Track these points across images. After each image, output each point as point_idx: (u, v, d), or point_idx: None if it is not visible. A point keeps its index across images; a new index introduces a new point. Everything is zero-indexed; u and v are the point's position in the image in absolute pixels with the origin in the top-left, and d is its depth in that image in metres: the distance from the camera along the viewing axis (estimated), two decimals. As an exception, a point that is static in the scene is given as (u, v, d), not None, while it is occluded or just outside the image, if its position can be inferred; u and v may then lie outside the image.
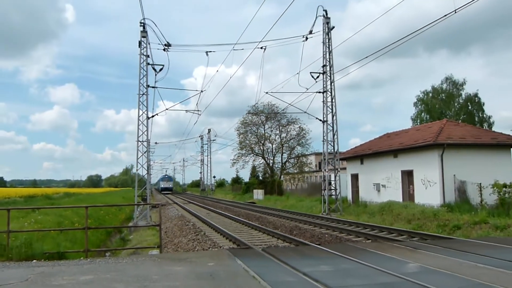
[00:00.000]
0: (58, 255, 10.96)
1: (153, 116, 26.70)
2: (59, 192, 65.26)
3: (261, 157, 57.67)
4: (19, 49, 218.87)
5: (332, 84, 26.47)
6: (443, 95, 57.83)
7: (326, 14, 25.94)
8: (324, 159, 27.22)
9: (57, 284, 7.29)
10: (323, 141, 26.83)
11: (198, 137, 77.95)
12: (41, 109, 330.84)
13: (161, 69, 25.29)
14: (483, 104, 56.80)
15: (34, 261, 10.01)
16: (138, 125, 25.32)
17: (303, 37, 25.82)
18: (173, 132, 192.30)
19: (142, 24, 24.48)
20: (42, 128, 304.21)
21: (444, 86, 58.24)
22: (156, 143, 66.32)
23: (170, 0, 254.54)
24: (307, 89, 27.07)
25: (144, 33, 24.64)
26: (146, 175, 26.32)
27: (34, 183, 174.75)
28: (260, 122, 56.16)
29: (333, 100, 26.57)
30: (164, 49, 25.34)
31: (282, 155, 56.83)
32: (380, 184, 27.14)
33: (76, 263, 9.59)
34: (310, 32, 25.69)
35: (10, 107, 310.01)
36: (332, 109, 26.57)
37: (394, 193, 25.49)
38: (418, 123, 54.42)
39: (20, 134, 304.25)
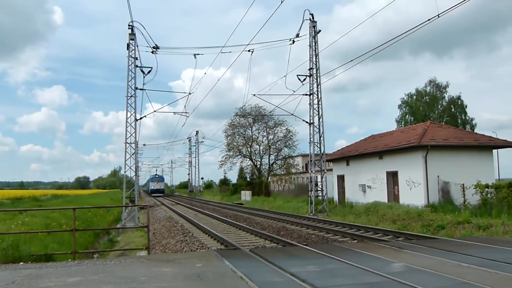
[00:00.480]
0: (46, 257, 10.90)
1: (141, 118, 26.69)
2: (46, 194, 64.40)
3: (248, 159, 57.85)
4: (6, 51, 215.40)
5: (319, 86, 26.72)
6: (427, 97, 58.72)
7: (313, 18, 26.21)
8: (311, 161, 27.43)
9: (44, 286, 7.26)
10: (309, 142, 27.08)
11: (186, 139, 77.76)
12: (29, 111, 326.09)
13: (149, 72, 25.26)
14: (466, 106, 57.97)
15: (21, 263, 9.95)
16: (126, 127, 25.25)
17: (290, 40, 26.07)
18: (161, 134, 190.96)
19: (130, 27, 24.44)
20: (30, 129, 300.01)
21: (428, 89, 59.21)
22: (144, 145, 65.94)
23: (159, 3, 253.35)
24: (294, 91, 27.32)
25: (132, 35, 24.59)
26: (134, 177, 26.23)
27: (22, 185, 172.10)
28: (247, 124, 56.31)
29: (320, 102, 26.82)
30: (152, 52, 25.34)
31: (269, 156, 57.15)
32: (365, 185, 27.45)
33: (64, 265, 9.55)
34: (297, 36, 25.94)
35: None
36: (318, 111, 26.81)
37: (379, 194, 25.82)
38: (403, 125, 55.17)
39: (7, 136, 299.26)
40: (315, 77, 26.60)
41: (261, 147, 57.11)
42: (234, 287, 7.15)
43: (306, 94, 27.13)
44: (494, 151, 25.66)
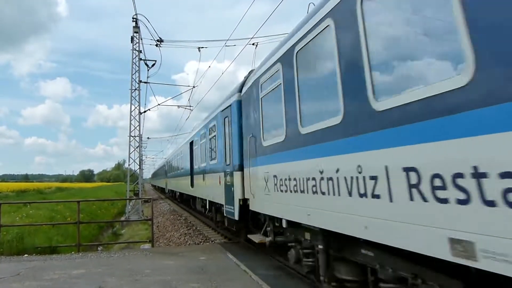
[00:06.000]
0: (50, 249, 10.98)
1: (145, 111, 26.80)
2: (51, 186, 64.90)
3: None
4: (10, 42, 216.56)
5: (324, 80, 26.55)
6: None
7: (318, 10, 25.97)
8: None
9: (49, 278, 7.31)
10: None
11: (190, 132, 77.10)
12: (33, 104, 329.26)
13: (153, 65, 25.30)
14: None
15: (26, 255, 10.01)
16: (130, 120, 25.29)
17: (295, 33, 25.85)
18: (165, 127, 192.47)
19: (134, 20, 24.41)
20: (34, 122, 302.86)
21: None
22: (148, 138, 65.87)
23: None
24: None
25: (136, 28, 24.55)
26: (138, 170, 26.32)
27: (26, 178, 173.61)
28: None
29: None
30: (156, 45, 25.27)
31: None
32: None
33: (68, 257, 9.61)
34: (302, 28, 25.73)
35: (1, 102, 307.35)
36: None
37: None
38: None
39: (12, 128, 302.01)
40: (320, 71, 26.43)
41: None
42: (237, 280, 7.14)
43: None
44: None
